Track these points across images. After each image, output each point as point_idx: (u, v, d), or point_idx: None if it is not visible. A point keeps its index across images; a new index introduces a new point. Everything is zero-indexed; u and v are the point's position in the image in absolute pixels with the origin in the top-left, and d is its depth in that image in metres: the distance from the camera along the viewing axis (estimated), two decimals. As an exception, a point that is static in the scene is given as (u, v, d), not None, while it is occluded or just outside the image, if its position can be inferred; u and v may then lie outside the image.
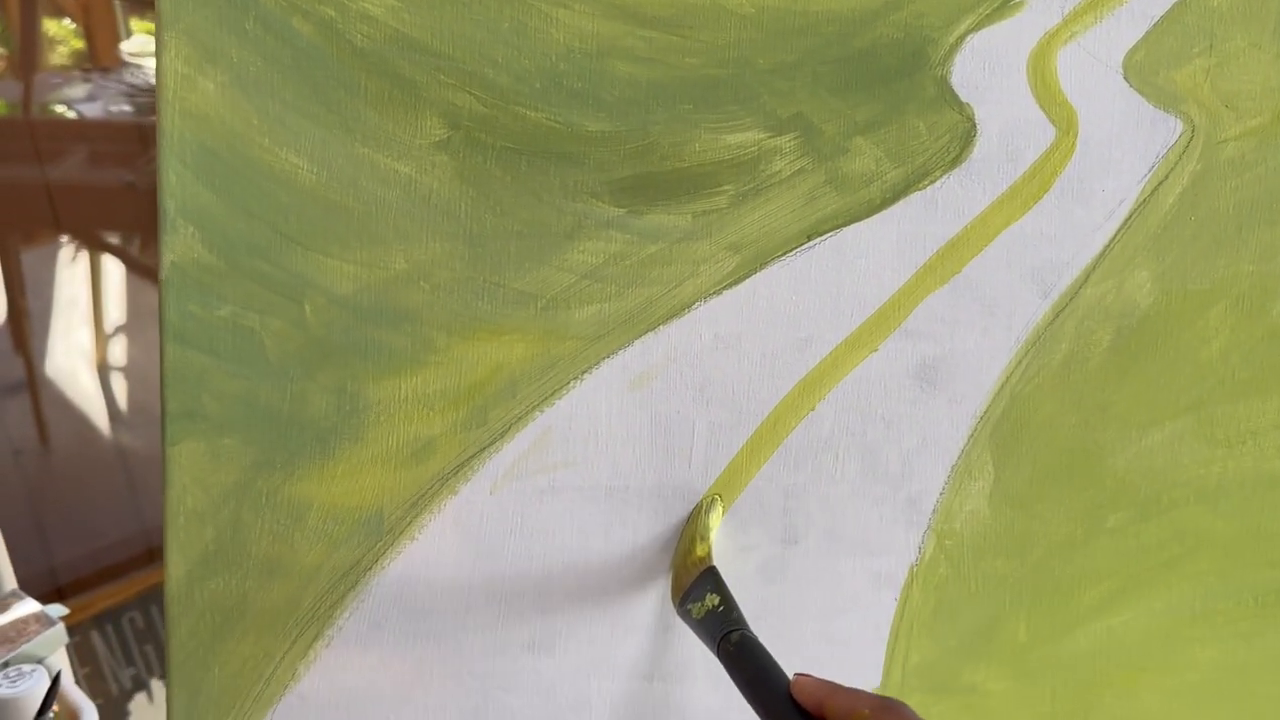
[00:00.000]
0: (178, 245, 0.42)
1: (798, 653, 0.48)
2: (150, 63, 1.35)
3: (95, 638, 1.29)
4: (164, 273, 0.42)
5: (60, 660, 0.76)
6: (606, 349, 0.44)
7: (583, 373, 0.45)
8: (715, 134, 0.42)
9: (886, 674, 0.48)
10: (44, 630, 0.71)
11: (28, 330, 1.30)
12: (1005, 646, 0.48)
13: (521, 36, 0.41)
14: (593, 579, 0.47)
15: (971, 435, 0.46)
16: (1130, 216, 0.44)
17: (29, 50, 1.27)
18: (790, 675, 0.37)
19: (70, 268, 1.34)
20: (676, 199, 0.43)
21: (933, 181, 0.43)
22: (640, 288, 0.44)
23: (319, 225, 0.42)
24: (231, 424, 0.43)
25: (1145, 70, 0.43)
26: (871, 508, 0.46)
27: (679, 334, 0.44)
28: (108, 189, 1.31)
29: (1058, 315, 0.45)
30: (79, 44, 1.32)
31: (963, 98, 0.43)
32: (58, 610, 0.74)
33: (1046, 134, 0.43)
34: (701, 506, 0.46)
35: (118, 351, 1.40)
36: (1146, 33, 0.43)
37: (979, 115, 0.43)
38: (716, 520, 0.46)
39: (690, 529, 0.46)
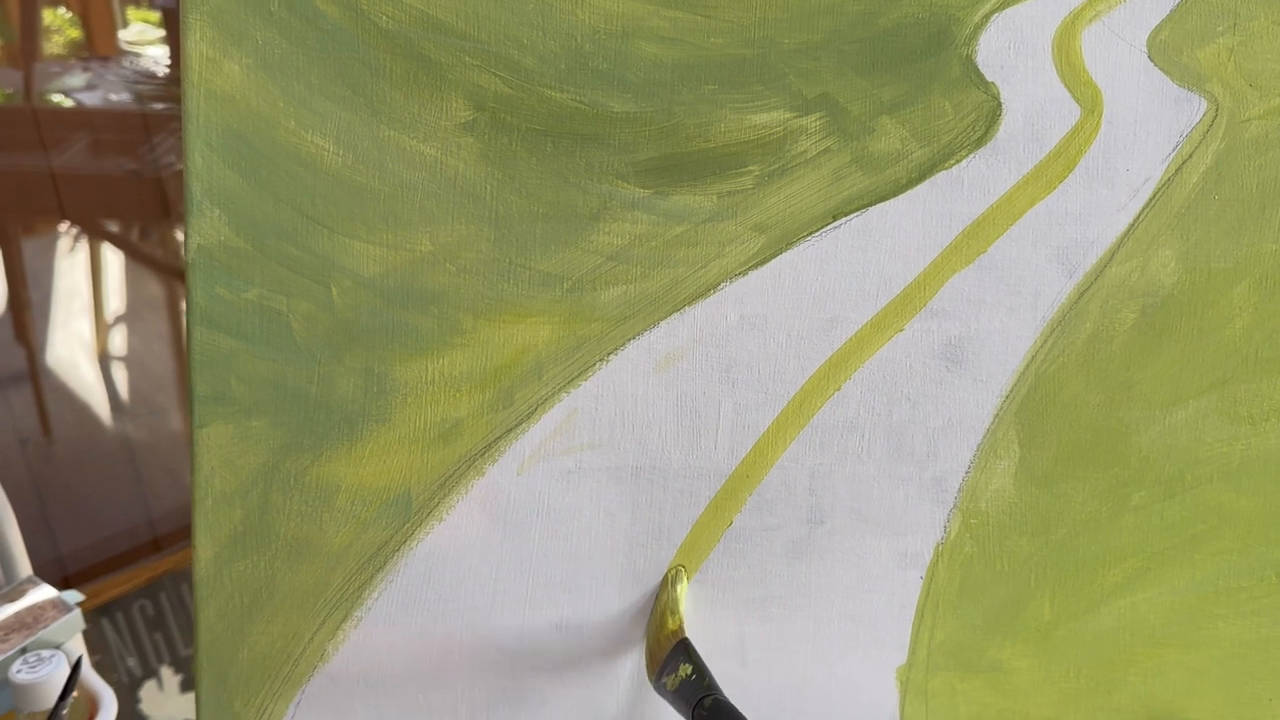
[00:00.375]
0: (204, 228, 0.42)
1: (824, 631, 0.48)
2: (149, 50, 1.34)
3: (105, 625, 1.29)
4: (190, 255, 0.42)
5: (78, 646, 0.76)
6: (632, 330, 0.45)
7: (609, 354, 0.45)
8: (740, 114, 0.42)
9: (912, 652, 0.49)
10: (61, 616, 0.71)
11: (29, 321, 1.30)
12: (1030, 624, 0.48)
13: (546, 17, 0.41)
14: (620, 559, 0.47)
15: (997, 415, 0.46)
16: (1154, 196, 0.44)
17: (29, 39, 1.27)
18: None
19: (70, 257, 1.34)
20: (702, 180, 0.43)
21: (958, 161, 0.43)
22: (666, 269, 0.44)
23: (345, 208, 0.42)
24: (259, 406, 0.43)
25: (1169, 49, 0.43)
26: (897, 487, 0.47)
27: (705, 315, 0.44)
28: (110, 177, 1.31)
29: (1082, 294, 0.45)
30: (75, 33, 1.32)
31: (988, 77, 0.43)
32: (74, 596, 0.74)
33: (1071, 113, 0.43)
34: (668, 579, 0.47)
35: (119, 341, 1.40)
36: (1170, 12, 0.43)
37: (1004, 94, 0.43)
38: (683, 591, 0.47)
39: (660, 603, 0.47)
